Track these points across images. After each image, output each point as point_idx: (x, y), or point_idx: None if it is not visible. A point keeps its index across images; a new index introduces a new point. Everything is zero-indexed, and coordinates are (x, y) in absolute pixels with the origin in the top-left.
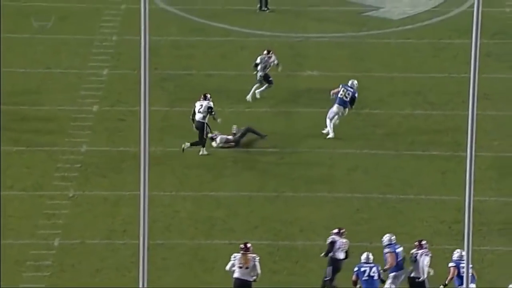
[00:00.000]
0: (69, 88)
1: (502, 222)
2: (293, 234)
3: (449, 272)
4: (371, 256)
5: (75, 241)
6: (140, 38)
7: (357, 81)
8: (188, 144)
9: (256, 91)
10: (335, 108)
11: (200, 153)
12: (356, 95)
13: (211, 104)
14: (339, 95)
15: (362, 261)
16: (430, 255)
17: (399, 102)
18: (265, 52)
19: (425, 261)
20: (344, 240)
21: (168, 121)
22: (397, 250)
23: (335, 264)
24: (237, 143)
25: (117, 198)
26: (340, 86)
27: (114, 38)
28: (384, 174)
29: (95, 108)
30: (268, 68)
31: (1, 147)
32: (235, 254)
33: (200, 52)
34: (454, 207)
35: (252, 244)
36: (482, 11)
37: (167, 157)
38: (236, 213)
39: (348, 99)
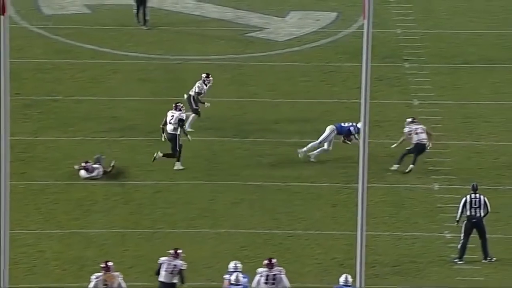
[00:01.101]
0: None
1: (396, 259)
2: None
3: None
4: (240, 278)
5: None
6: (0, 60)
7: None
8: (160, 154)
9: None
10: (327, 129)
11: (175, 167)
12: (352, 130)
13: (183, 116)
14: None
15: (232, 282)
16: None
17: (286, 129)
18: (204, 75)
19: (286, 282)
20: (180, 262)
21: (32, 151)
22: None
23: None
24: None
25: None
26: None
27: None
28: (270, 208)
29: None
30: (203, 94)
31: None
32: (96, 274)
33: (67, 76)
34: (346, 243)
35: (127, 286)
36: (372, 33)
37: (30, 191)
38: (108, 252)
39: (344, 126)
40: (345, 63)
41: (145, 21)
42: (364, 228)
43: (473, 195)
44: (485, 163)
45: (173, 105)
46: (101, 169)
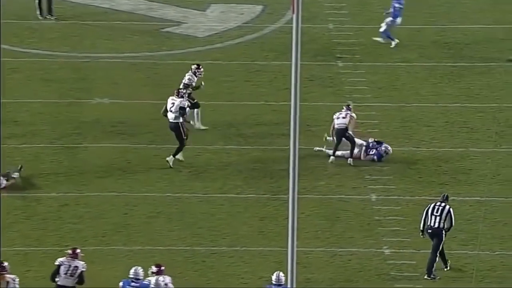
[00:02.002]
0: None
1: (330, 277)
2: None
3: None
4: (140, 272)
5: None
6: None
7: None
8: (171, 157)
9: (197, 124)
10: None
11: (177, 156)
12: (382, 155)
13: (185, 103)
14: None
15: (131, 275)
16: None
17: (208, 135)
18: (194, 66)
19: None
20: (81, 263)
21: None
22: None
23: None
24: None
25: None
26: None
27: None
28: (191, 222)
29: None
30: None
31: None
32: None
33: None
34: (275, 260)
35: None
36: (302, 28)
37: None
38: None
39: (374, 153)
40: (273, 62)
41: (50, 9)
42: (295, 243)
43: (438, 203)
44: (426, 172)
45: (175, 90)
46: (3, 182)
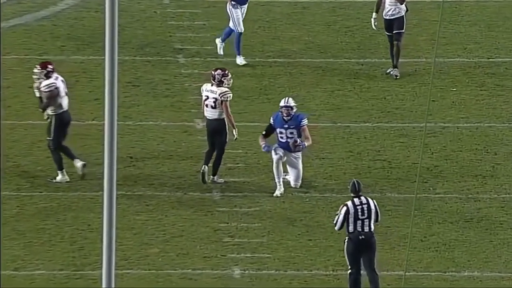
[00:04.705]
0: None
1: None
2: None
3: None
4: None
5: None
6: None
7: None
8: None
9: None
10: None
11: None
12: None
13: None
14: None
15: None
16: None
17: None
18: (38, 68)
19: None
20: None
21: None
22: None
23: None
24: None
25: None
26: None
27: None
28: None
29: None
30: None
31: None
32: None
33: None
34: None
35: None
36: (120, 3)
37: None
38: None
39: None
40: (73, 56)
41: None
42: None
43: (357, 201)
44: (320, 231)
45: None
46: None
